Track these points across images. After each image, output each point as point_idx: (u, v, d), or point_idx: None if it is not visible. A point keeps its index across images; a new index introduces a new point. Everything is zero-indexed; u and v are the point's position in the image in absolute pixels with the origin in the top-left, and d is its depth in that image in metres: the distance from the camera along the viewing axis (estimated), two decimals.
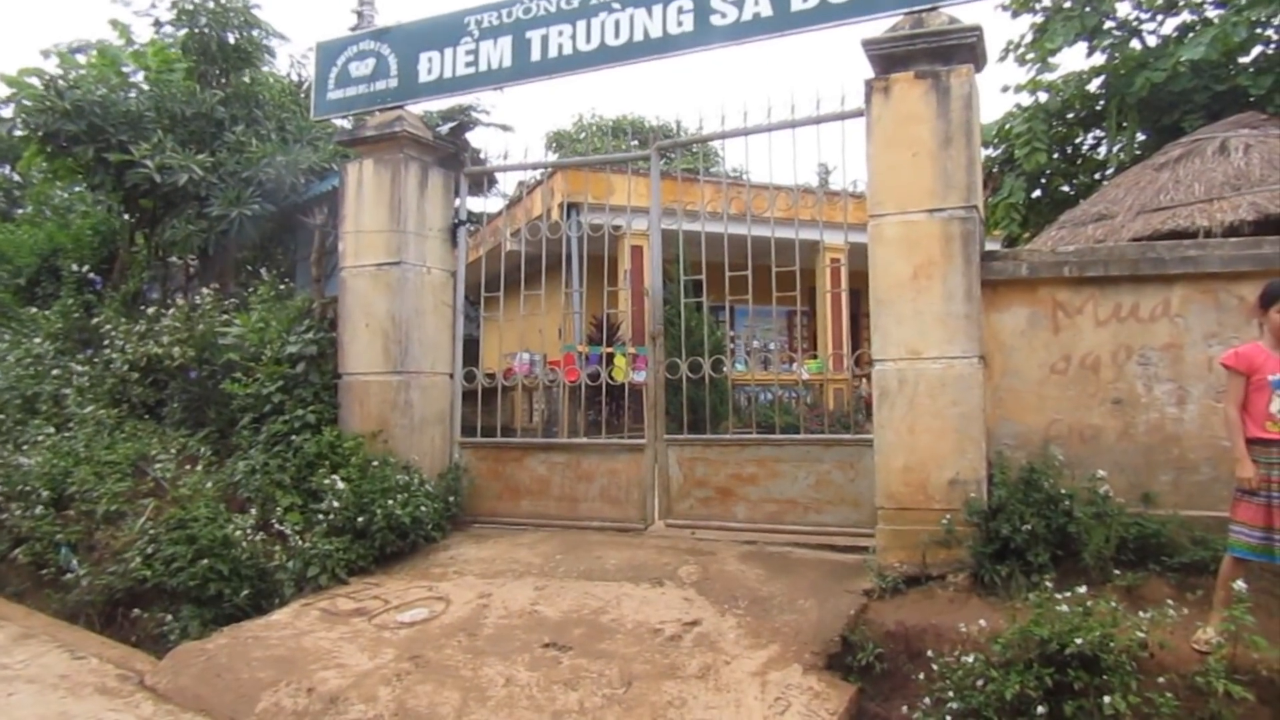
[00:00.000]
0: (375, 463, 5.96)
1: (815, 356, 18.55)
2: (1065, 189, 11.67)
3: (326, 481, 5.68)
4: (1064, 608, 3.76)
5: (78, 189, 11.47)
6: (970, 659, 3.84)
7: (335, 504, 5.54)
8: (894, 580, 4.80)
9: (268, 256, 8.97)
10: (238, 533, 5.44)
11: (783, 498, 5.77)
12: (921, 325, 4.89)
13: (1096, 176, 11.31)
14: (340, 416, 6.39)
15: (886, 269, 5.00)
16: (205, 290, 7.52)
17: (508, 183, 10.50)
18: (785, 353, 12.61)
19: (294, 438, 6.16)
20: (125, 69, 9.51)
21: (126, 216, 9.51)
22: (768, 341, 18.38)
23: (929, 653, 4.23)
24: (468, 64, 6.35)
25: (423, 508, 5.79)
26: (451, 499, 6.30)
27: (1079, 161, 11.46)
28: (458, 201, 6.95)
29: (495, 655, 4.38)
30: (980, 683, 3.82)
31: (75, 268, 8.86)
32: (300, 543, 5.39)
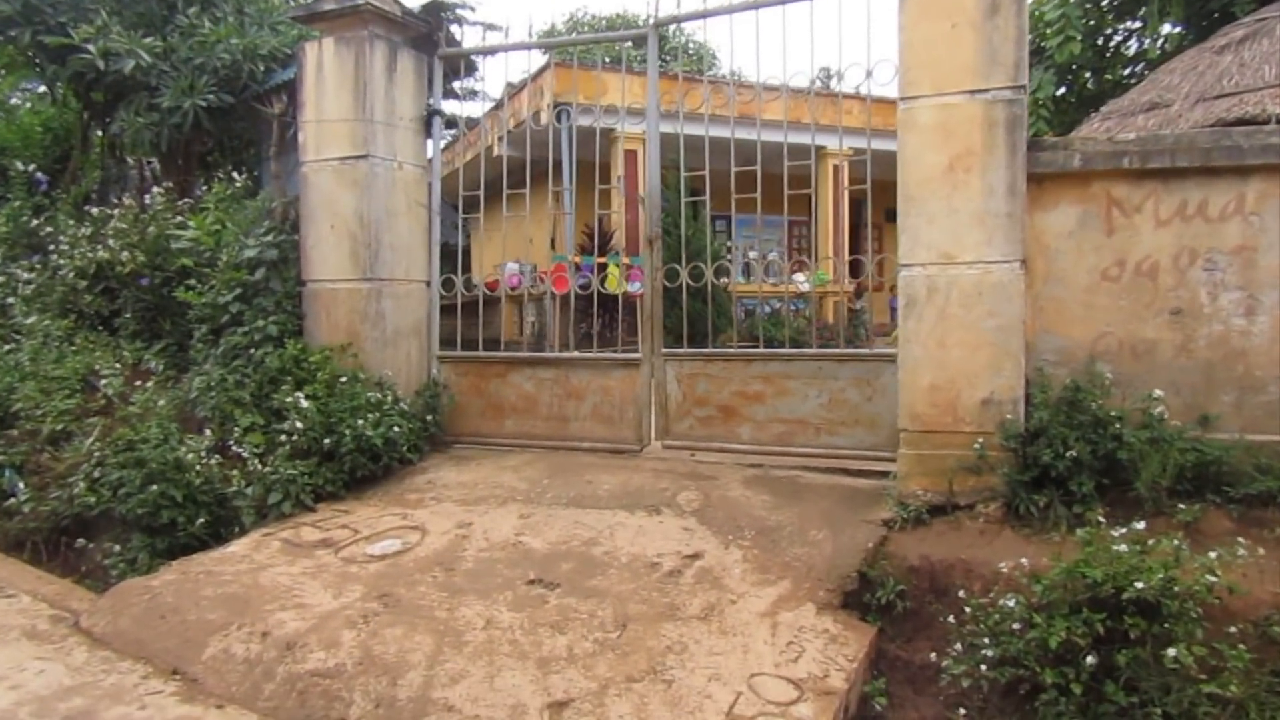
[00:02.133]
0: (344, 379, 5.42)
1: (819, 267, 17.96)
2: (1091, 86, 10.85)
3: (290, 399, 5.14)
4: (1122, 547, 3.28)
5: (29, 87, 10.58)
6: (1012, 603, 3.39)
7: (299, 424, 5.02)
8: (917, 510, 4.34)
9: (232, 154, 8.21)
10: (191, 455, 4.93)
11: (792, 417, 5.26)
12: (956, 225, 4.30)
13: (1127, 72, 10.49)
14: (305, 328, 5.82)
15: (918, 160, 4.37)
16: (157, 190, 6.83)
17: (492, 84, 9.68)
18: (796, 260, 12.01)
19: (254, 351, 5.59)
20: None
21: (83, 113, 8.70)
22: (768, 251, 17.80)
23: (960, 592, 3.80)
24: None
25: (396, 428, 5.27)
26: (429, 418, 5.79)
27: (1108, 55, 10.61)
28: (431, 94, 6.22)
29: (474, 593, 3.92)
30: (1018, 627, 3.39)
31: (22, 167, 8.12)
32: (260, 466, 4.88)
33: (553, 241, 15.51)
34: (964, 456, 4.28)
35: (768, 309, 17.13)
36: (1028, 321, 4.28)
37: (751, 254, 13.91)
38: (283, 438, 5.05)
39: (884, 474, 5.09)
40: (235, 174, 6.74)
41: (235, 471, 4.97)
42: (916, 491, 4.40)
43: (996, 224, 4.23)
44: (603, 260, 13.63)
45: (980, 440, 4.20)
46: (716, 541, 4.37)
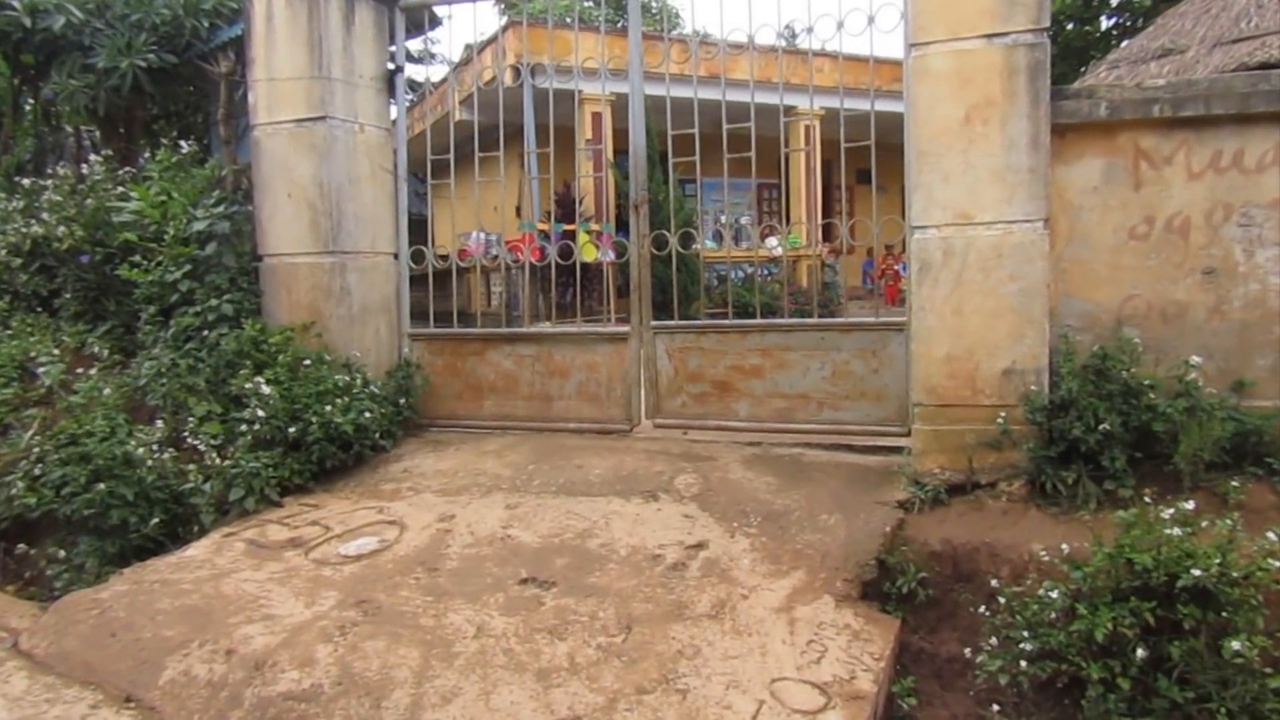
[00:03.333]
0: (308, 361, 5.00)
1: (791, 231, 17.63)
2: (1075, 38, 10.55)
3: (249, 385, 4.71)
4: (1174, 530, 3.01)
5: None
6: (1054, 593, 3.11)
7: (261, 412, 4.60)
8: (934, 489, 4.06)
9: (179, 119, 7.62)
10: (141, 449, 4.51)
11: (793, 392, 4.95)
12: (974, 182, 3.97)
13: (1112, 22, 10.21)
14: (264, 306, 5.36)
15: (930, 112, 4.03)
16: (95, 158, 6.29)
17: (453, 44, 9.11)
18: (767, 225, 11.66)
19: (208, 333, 5.14)
20: None
21: (13, 78, 8.04)
22: (738, 216, 17.44)
23: (988, 579, 3.52)
24: None
25: (368, 413, 4.87)
26: (403, 401, 5.38)
27: (1093, 4, 10.30)
28: (394, 50, 5.74)
29: (462, 596, 3.57)
30: (1057, 617, 3.13)
31: None
32: (219, 459, 4.47)
33: (518, 209, 15.04)
34: (984, 431, 4.00)
35: (740, 275, 16.87)
36: (1050, 285, 3.98)
37: (722, 219, 13.57)
38: (243, 427, 4.63)
39: (892, 450, 4.82)
40: (183, 141, 6.19)
41: (191, 466, 4.55)
42: (933, 470, 4.12)
43: (1018, 180, 3.91)
44: (571, 228, 13.18)
45: (1003, 414, 3.92)
46: (721, 530, 4.06)
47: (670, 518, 4.19)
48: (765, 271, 17.39)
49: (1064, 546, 3.30)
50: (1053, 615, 3.13)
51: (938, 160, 4.02)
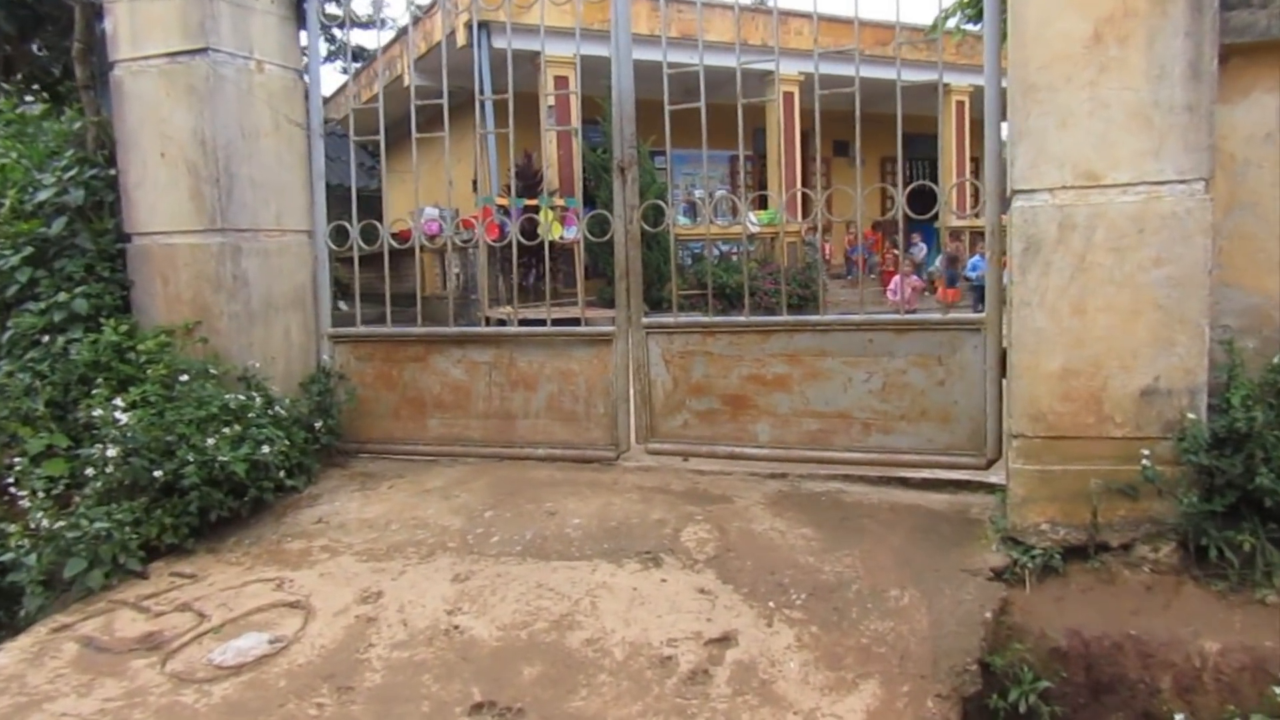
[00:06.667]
0: (188, 375, 3.75)
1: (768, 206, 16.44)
2: None
3: (100, 412, 3.45)
4: None
5: None
6: None
7: (112, 450, 3.35)
8: (1045, 553, 2.96)
9: (27, 61, 6.22)
10: None
11: (829, 410, 3.81)
12: (1106, 128, 2.84)
13: None
14: (133, 302, 4.09)
15: (1044, 29, 2.88)
16: None
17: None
18: (757, 196, 10.49)
19: (56, 338, 3.86)
20: None
21: None
22: (713, 190, 16.25)
23: (1148, 695, 2.43)
24: None
25: (268, 445, 3.64)
26: (320, 424, 4.16)
27: None
28: None
29: None
30: None
31: None
32: (46, 523, 3.20)
33: (474, 183, 13.69)
34: (1114, 473, 2.90)
35: (714, 254, 15.71)
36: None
37: (696, 193, 12.37)
38: (90, 470, 3.38)
39: (958, 486, 3.72)
40: (34, 88, 4.86)
41: (15, 526, 3.29)
42: (1039, 524, 3.01)
43: (1169, 123, 2.78)
44: (532, 202, 11.91)
45: (1148, 450, 2.81)
46: (753, 613, 2.92)
47: (680, 593, 3.04)
48: (737, 250, 16.28)
49: (1252, 643, 2.21)
50: None
51: (1053, 97, 2.88)
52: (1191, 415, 2.81)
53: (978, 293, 9.53)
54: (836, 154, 19.93)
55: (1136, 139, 2.82)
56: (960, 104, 17.40)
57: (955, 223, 11.62)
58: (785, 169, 16.07)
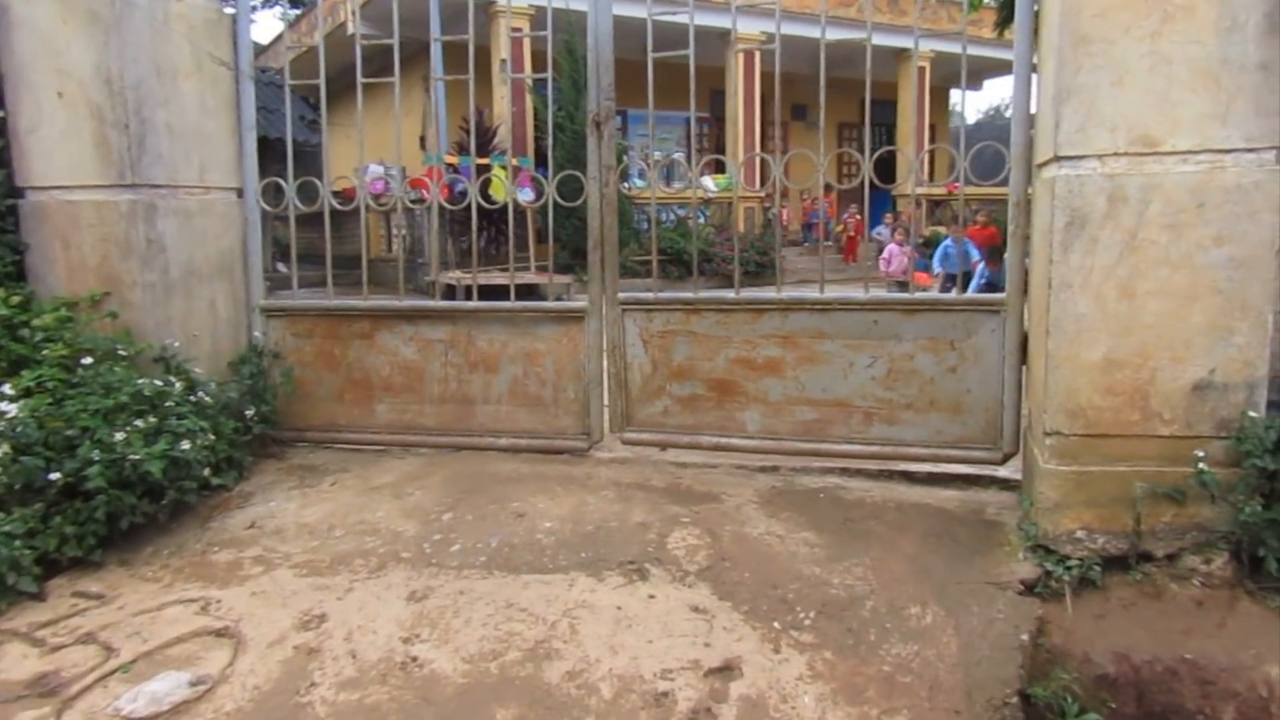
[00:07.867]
0: (94, 356, 3.22)
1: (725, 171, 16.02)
2: None
3: None
4: None
5: None
6: None
7: (2, 447, 2.82)
8: (1082, 564, 2.65)
9: None
10: None
11: (827, 398, 3.44)
12: (1166, 86, 2.49)
13: None
14: (28, 268, 3.52)
15: None
16: None
17: None
18: (711, 159, 10.08)
19: None
20: None
21: None
22: (669, 152, 15.78)
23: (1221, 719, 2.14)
24: None
25: (188, 440, 3.13)
26: (252, 411, 3.65)
27: None
28: None
29: None
30: None
31: None
32: None
33: (422, 140, 12.98)
34: (1160, 475, 2.60)
35: (670, 218, 15.28)
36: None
37: (655, 155, 11.95)
38: None
39: (968, 480, 3.41)
40: None
41: None
42: (1074, 531, 2.70)
43: (1240, 83, 2.44)
44: (484, 161, 11.29)
45: (1203, 452, 2.51)
46: (756, 636, 2.56)
47: (672, 613, 2.67)
48: (700, 215, 15.86)
49: None
50: None
51: (1108, 49, 2.51)
52: (1249, 412, 2.51)
53: (948, 283, 8.72)
54: (794, 118, 19.56)
55: (1201, 100, 2.47)
56: (921, 69, 17.14)
57: (918, 191, 11.35)
58: (745, 132, 15.66)
